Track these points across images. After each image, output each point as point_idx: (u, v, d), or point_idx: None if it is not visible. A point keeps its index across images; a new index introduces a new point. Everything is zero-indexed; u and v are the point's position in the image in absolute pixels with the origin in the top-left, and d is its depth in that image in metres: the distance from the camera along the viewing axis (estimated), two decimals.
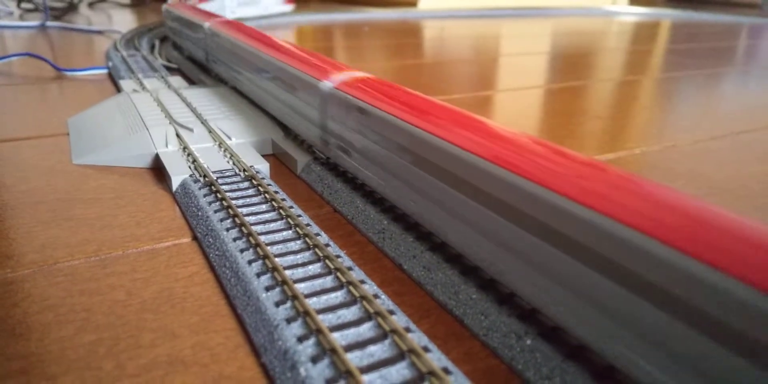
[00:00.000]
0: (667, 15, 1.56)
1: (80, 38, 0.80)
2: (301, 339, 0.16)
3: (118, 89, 0.47)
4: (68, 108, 0.42)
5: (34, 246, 0.22)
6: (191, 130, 0.32)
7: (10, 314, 0.18)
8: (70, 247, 0.22)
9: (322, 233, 0.22)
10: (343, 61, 0.65)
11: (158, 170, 0.30)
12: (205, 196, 0.25)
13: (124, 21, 1.05)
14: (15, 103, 0.44)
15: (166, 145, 0.30)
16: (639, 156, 0.36)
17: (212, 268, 0.21)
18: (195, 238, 0.23)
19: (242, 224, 0.22)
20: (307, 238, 0.21)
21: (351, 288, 0.18)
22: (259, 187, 0.25)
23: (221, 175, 0.27)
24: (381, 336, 0.16)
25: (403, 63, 0.67)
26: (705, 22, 1.38)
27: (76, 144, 0.33)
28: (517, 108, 0.48)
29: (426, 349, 0.15)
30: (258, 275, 0.19)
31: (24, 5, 1.08)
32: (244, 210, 0.23)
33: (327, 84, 0.26)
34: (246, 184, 0.26)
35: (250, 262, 0.19)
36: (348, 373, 0.14)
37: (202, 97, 0.39)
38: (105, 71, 0.55)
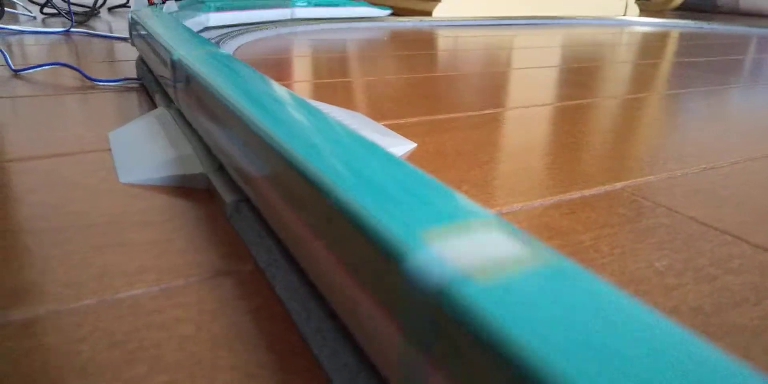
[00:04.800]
0: (679, 25, 1.56)
1: (105, 45, 0.80)
2: None
3: (153, 101, 0.47)
4: (105, 121, 0.42)
5: (92, 274, 0.22)
6: None
7: (78, 350, 0.18)
8: (128, 275, 0.22)
9: None
10: (356, 73, 0.65)
11: (209, 191, 0.30)
12: (263, 222, 0.24)
13: None
14: (50, 116, 0.44)
15: (217, 166, 0.30)
16: (681, 178, 0.36)
17: (280, 300, 0.21)
18: (257, 266, 0.23)
19: None
20: None
21: None
22: None
23: None
24: None
25: (415, 75, 0.67)
26: (717, 33, 1.37)
27: (120, 161, 0.33)
28: (543, 126, 0.47)
29: None
30: (332, 314, 0.18)
31: (47, 10, 1.08)
32: None
33: None
34: None
35: (322, 298, 0.19)
36: None
37: None
38: (137, 82, 0.55)
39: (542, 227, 0.28)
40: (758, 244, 0.27)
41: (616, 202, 0.32)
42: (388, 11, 1.37)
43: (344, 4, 1.27)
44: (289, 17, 1.18)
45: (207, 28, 0.98)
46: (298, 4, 1.19)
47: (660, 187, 0.34)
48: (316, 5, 1.22)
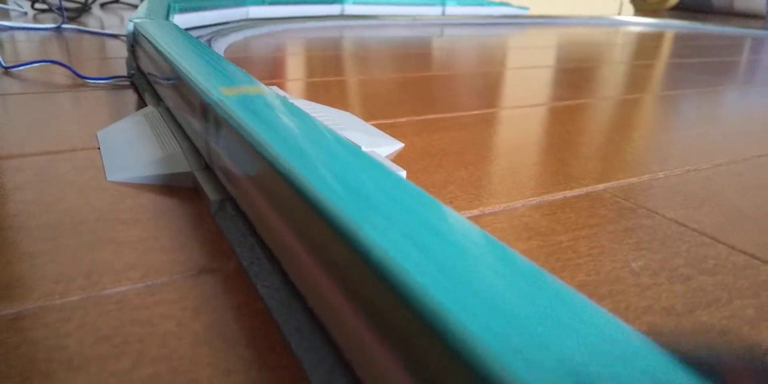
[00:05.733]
0: (673, 26, 1.57)
1: (96, 42, 0.80)
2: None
3: (143, 100, 0.48)
4: (95, 119, 0.43)
5: (81, 270, 0.23)
6: None
7: (65, 344, 0.18)
8: (116, 272, 0.23)
9: None
10: (350, 72, 0.65)
11: (196, 189, 0.30)
12: (247, 221, 0.25)
13: None
14: (41, 113, 0.44)
15: (203, 165, 0.30)
16: (662, 180, 0.37)
17: (261, 299, 0.21)
18: (240, 264, 0.23)
19: None
20: None
21: None
22: None
23: None
24: None
25: (410, 75, 0.68)
26: (710, 34, 1.38)
27: (109, 160, 0.33)
28: (531, 127, 0.48)
29: None
30: (312, 313, 0.19)
31: (38, 6, 1.08)
32: None
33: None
34: None
35: (303, 298, 0.20)
36: None
37: None
38: (128, 79, 0.55)
39: (522, 228, 0.29)
40: (733, 246, 0.28)
41: (597, 203, 0.32)
42: (527, 10, 1.51)
43: (488, 4, 1.44)
44: (439, 15, 1.38)
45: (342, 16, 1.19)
46: (450, 3, 1.37)
47: (642, 189, 0.35)
48: (465, 5, 1.39)
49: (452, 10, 1.39)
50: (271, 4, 1.02)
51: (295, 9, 1.11)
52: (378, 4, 1.27)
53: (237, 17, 0.96)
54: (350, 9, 1.21)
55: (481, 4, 1.44)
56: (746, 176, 0.38)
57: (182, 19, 0.77)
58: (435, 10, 1.37)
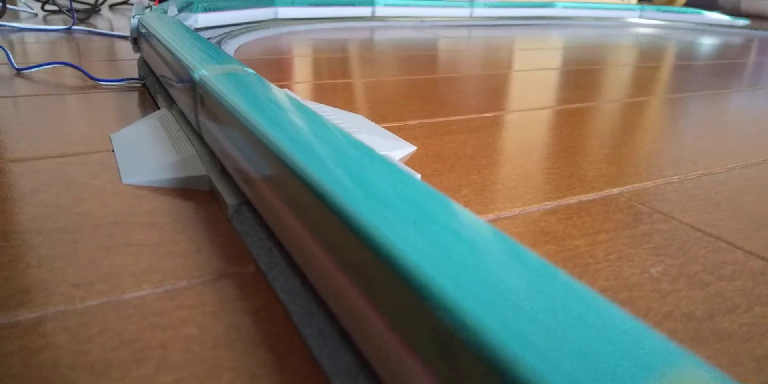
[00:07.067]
0: (680, 26, 1.56)
1: (106, 43, 0.80)
2: None
3: (156, 102, 0.48)
4: (109, 121, 0.43)
5: (100, 274, 0.23)
6: None
7: (86, 349, 0.19)
8: (135, 276, 0.23)
9: None
10: (356, 73, 0.65)
11: (212, 193, 0.30)
12: (264, 225, 0.25)
13: None
14: (53, 115, 0.44)
15: (219, 169, 0.30)
16: (677, 184, 0.37)
17: (281, 303, 0.21)
18: (258, 268, 0.23)
19: None
20: None
21: None
22: None
23: None
24: None
25: (415, 77, 0.68)
26: (717, 36, 1.37)
27: (124, 163, 0.33)
28: (543, 130, 0.48)
29: None
30: (332, 316, 0.19)
31: (48, 7, 1.08)
32: None
33: None
34: None
35: (322, 300, 0.20)
36: None
37: None
38: (140, 82, 0.55)
39: (539, 232, 0.28)
40: (751, 251, 0.28)
41: (613, 207, 0.32)
42: (747, 21, 1.65)
43: (695, 12, 1.64)
44: (637, 18, 1.62)
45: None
46: (647, 8, 1.61)
47: (657, 193, 0.35)
48: (664, 11, 1.64)
49: (649, 14, 1.63)
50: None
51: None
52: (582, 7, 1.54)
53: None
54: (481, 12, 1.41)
55: (678, 11, 1.65)
56: (760, 180, 0.38)
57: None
58: (633, 14, 1.63)
